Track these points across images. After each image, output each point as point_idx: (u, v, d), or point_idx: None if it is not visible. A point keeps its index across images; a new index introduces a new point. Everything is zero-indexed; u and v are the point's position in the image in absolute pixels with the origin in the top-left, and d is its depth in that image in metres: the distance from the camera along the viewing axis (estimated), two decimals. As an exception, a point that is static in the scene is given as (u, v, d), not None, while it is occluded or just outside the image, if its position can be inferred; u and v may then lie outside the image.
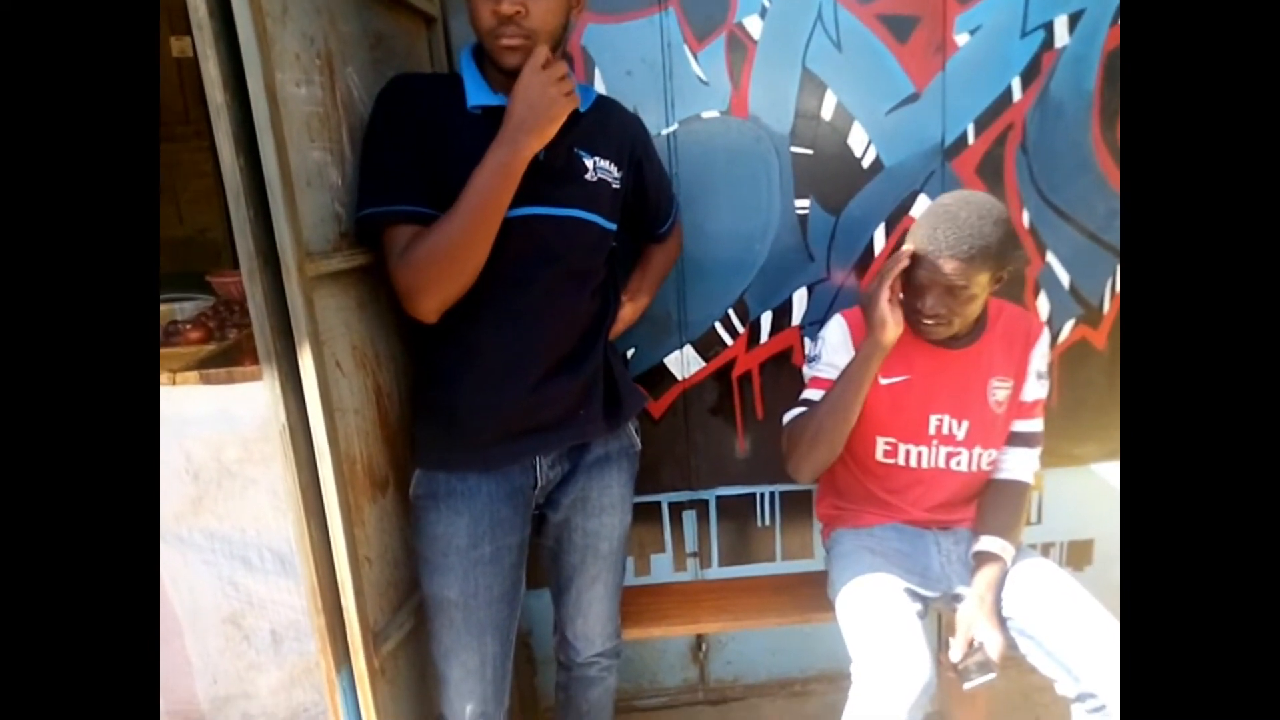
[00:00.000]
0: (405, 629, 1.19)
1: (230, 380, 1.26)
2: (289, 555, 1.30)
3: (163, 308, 1.70)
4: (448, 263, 1.00)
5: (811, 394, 1.36)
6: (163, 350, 1.41)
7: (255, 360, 0.98)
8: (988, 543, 1.31)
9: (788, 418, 1.38)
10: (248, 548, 1.32)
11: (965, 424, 1.35)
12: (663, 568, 1.80)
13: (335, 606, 1.03)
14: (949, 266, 1.19)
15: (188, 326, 1.48)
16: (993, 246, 1.19)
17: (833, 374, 1.33)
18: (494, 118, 1.02)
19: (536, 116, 0.98)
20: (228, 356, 1.38)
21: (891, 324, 1.24)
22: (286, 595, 1.34)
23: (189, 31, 0.88)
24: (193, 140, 2.94)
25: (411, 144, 1.02)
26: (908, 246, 1.26)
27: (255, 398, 1.20)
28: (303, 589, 1.06)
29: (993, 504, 1.37)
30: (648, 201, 1.29)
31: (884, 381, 1.33)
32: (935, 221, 1.21)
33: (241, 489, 1.29)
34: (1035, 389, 1.36)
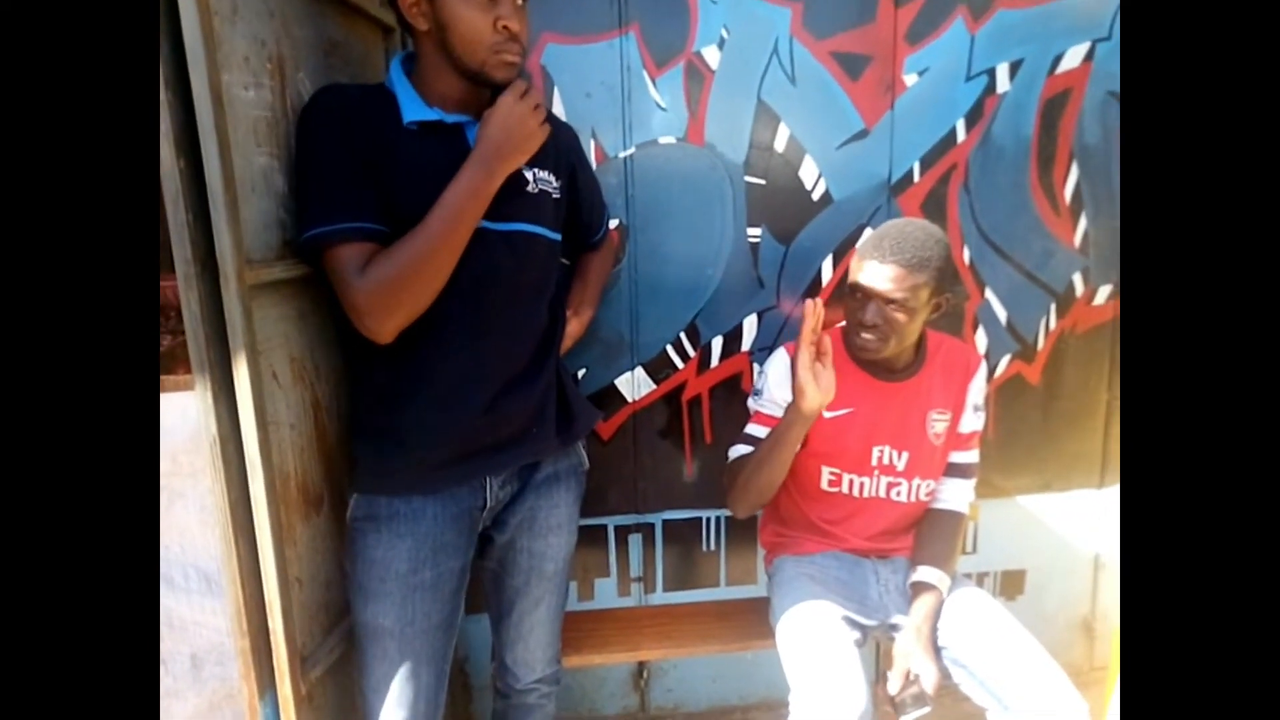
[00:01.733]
0: (335, 654, 1.14)
1: (160, 389, 1.20)
2: (215, 574, 1.24)
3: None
4: (413, 281, 0.97)
5: (754, 429, 1.37)
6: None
7: (188, 369, 0.93)
8: (924, 573, 1.33)
9: (733, 453, 1.39)
10: (171, 565, 1.25)
11: (905, 455, 1.37)
12: (607, 592, 1.78)
13: (261, 629, 0.99)
14: (890, 272, 1.22)
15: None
16: (933, 260, 1.23)
17: (773, 410, 1.35)
18: (431, 132, 1.02)
19: (514, 144, 0.99)
20: (161, 365, 1.32)
21: (811, 390, 1.20)
22: (210, 617, 1.28)
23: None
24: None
25: (350, 159, 0.98)
26: (851, 275, 1.29)
27: (186, 408, 1.15)
28: (227, 609, 1.01)
29: (929, 534, 1.40)
30: (581, 209, 1.29)
31: (828, 415, 1.35)
32: (883, 233, 1.26)
33: (168, 503, 1.23)
34: (972, 421, 1.40)
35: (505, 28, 0.98)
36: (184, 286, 0.88)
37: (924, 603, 1.29)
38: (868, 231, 1.61)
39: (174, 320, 1.52)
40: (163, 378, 1.23)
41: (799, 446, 1.28)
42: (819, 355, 1.22)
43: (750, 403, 1.42)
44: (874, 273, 1.24)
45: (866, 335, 1.27)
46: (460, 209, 0.98)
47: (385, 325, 0.99)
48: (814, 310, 1.19)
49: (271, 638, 0.99)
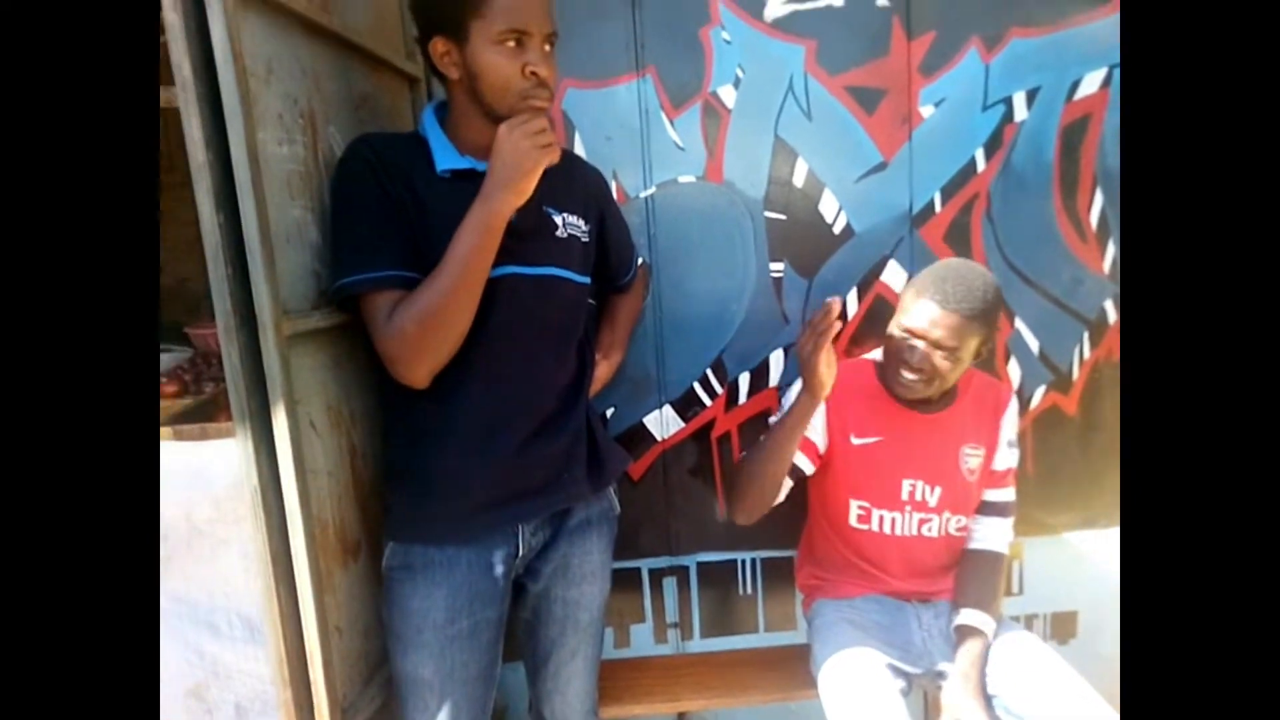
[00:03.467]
0: (375, 703, 1.12)
1: (204, 436, 1.21)
2: (258, 622, 1.23)
3: (139, 360, 1.65)
4: (436, 325, 0.98)
5: None
6: (136, 404, 1.36)
7: (230, 416, 0.95)
8: (968, 616, 1.29)
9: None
10: (215, 613, 1.24)
11: (938, 490, 1.34)
12: (643, 639, 1.74)
13: (303, 678, 0.98)
14: (948, 320, 1.21)
15: (163, 380, 1.44)
16: (991, 315, 1.23)
17: None
18: (464, 180, 1.03)
19: (511, 172, 0.97)
20: (203, 411, 1.33)
21: (827, 379, 1.22)
22: (254, 665, 1.25)
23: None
24: (177, 189, 2.93)
25: (384, 208, 1.00)
26: (902, 310, 1.27)
27: (229, 455, 1.16)
28: (269, 659, 1.00)
29: (969, 575, 1.36)
30: (610, 251, 1.29)
31: (856, 441, 1.33)
32: (945, 274, 1.24)
33: (212, 550, 1.22)
34: (1006, 457, 1.36)
35: (533, 74, 0.99)
36: (224, 339, 0.90)
37: (970, 648, 1.25)
38: (892, 263, 1.61)
39: (216, 368, 1.54)
40: (206, 425, 1.24)
41: (802, 432, 1.27)
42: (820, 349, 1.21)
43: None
44: (930, 317, 1.23)
45: (910, 376, 1.26)
46: (471, 246, 0.97)
47: (416, 370, 1.00)
48: (832, 309, 1.17)
49: (313, 688, 0.98)
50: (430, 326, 0.97)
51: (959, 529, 1.37)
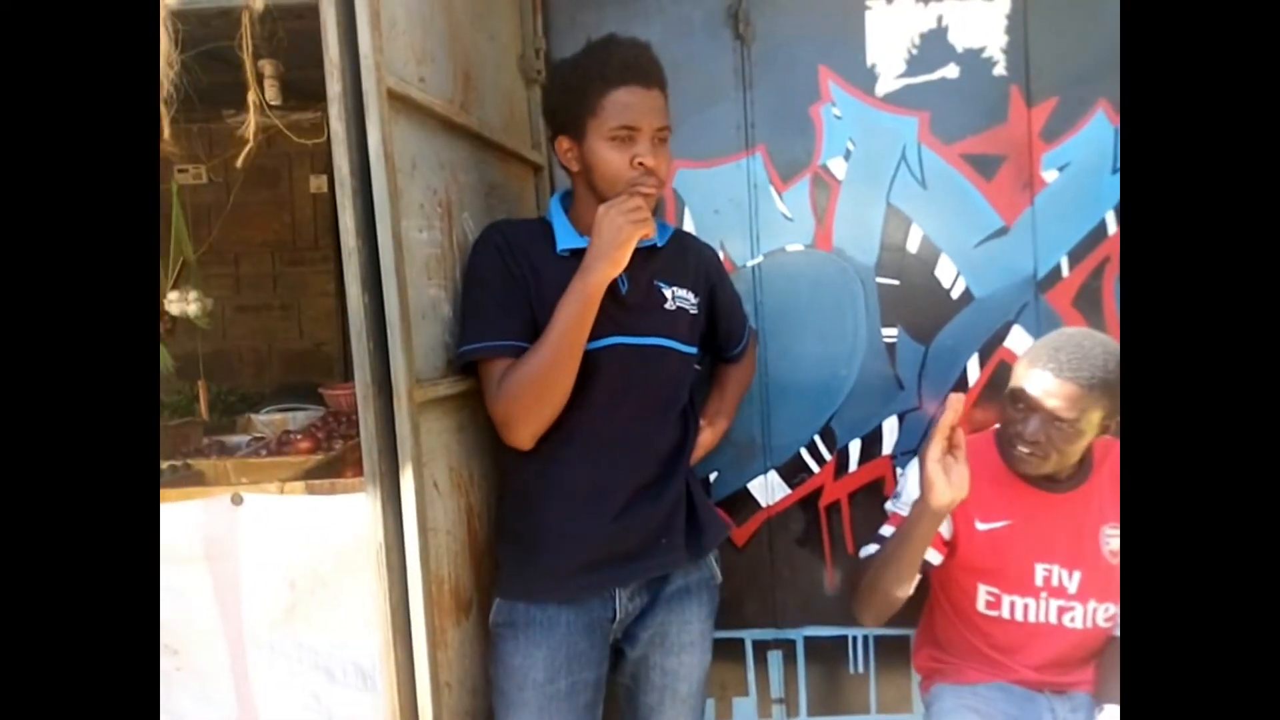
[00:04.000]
0: (480, 761, 1.16)
1: (332, 491, 1.32)
2: (370, 671, 1.30)
3: (277, 417, 1.83)
4: (537, 390, 1.06)
5: (887, 530, 1.31)
6: (274, 460, 1.50)
7: (357, 471, 1.03)
8: (1114, 713, 1.18)
9: (863, 553, 1.33)
10: (332, 659, 1.32)
11: (1077, 575, 1.24)
12: (746, 713, 1.69)
13: (414, 733, 1.02)
14: (1064, 390, 1.14)
15: (298, 437, 1.58)
16: (1111, 384, 1.14)
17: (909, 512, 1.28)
18: (581, 257, 1.10)
19: (606, 245, 1.04)
20: (332, 467, 1.45)
21: (940, 485, 1.12)
22: (365, 713, 1.32)
23: (325, 171, 0.99)
24: (319, 264, 3.28)
25: (506, 286, 1.10)
26: (1016, 381, 1.21)
27: (353, 508, 1.25)
28: (381, 709, 1.05)
29: (1115, 667, 1.23)
30: (720, 323, 1.33)
31: (981, 527, 1.26)
32: (1059, 344, 1.18)
33: (333, 598, 1.31)
34: (1155, 536, 1.25)
35: (641, 164, 1.07)
36: (362, 405, 0.99)
37: (1114, 750, 1.14)
38: (1016, 329, 1.54)
39: (346, 426, 1.68)
40: (335, 481, 1.34)
41: (925, 548, 1.20)
42: (951, 449, 1.14)
43: (888, 505, 1.35)
44: (1045, 386, 1.16)
45: (1024, 449, 1.19)
46: (571, 315, 1.04)
47: (519, 432, 1.08)
48: (955, 406, 1.12)
49: (422, 744, 1.02)
50: (532, 389, 1.05)
51: (1108, 618, 1.26)
